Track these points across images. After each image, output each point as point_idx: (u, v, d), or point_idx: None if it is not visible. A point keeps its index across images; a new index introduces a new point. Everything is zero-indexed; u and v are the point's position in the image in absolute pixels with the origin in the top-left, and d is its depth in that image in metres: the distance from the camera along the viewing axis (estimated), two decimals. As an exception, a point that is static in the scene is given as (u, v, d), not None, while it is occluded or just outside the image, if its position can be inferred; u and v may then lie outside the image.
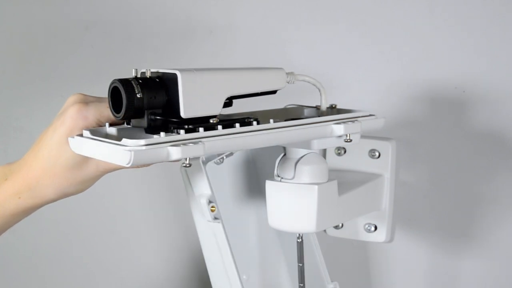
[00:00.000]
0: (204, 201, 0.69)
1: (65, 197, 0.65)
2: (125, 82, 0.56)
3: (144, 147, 0.52)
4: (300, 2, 0.94)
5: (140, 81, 0.57)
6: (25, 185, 0.64)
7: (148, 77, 0.58)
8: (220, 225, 0.70)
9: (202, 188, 0.70)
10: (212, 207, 0.70)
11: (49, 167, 0.62)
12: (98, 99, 0.63)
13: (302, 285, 0.75)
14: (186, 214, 0.74)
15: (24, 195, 0.64)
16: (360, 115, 0.69)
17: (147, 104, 0.56)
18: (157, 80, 0.58)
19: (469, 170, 0.87)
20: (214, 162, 0.73)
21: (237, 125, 0.59)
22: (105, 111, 0.61)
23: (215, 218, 0.70)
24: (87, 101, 0.62)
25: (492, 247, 0.87)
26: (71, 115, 0.61)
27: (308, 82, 0.69)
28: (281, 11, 0.96)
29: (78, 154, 0.59)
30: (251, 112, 0.69)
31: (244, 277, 0.79)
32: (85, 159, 0.62)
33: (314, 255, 0.81)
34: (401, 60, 0.89)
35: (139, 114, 0.57)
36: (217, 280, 0.73)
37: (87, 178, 0.64)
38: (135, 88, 0.56)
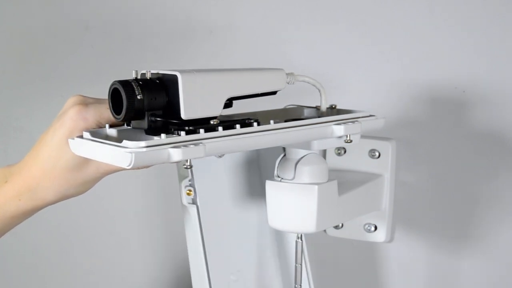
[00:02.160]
0: (182, 184, 0.70)
1: (65, 199, 0.65)
2: (125, 83, 0.56)
3: (144, 149, 0.52)
4: (300, 2, 0.94)
5: (140, 82, 0.57)
6: (25, 187, 0.64)
7: (149, 78, 0.58)
8: (194, 209, 0.70)
9: (183, 171, 0.71)
10: (189, 190, 0.71)
11: (49, 169, 0.62)
12: (98, 101, 0.63)
13: (298, 286, 0.75)
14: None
15: (24, 197, 0.64)
16: (360, 115, 0.69)
17: (147, 106, 0.56)
18: (158, 81, 0.58)
19: (469, 170, 0.87)
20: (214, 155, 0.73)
21: (238, 126, 0.59)
22: (105, 112, 0.61)
23: (191, 203, 0.71)
24: (86, 102, 0.62)
25: (492, 247, 0.87)
26: (71, 116, 0.61)
27: (308, 82, 0.69)
28: (281, 11, 0.96)
29: (78, 156, 0.59)
30: (251, 113, 0.70)
31: (232, 277, 0.79)
32: (85, 161, 0.62)
33: (298, 257, 0.81)
34: (401, 60, 0.89)
35: (139, 116, 0.57)
36: (193, 270, 0.74)
37: (87, 180, 0.64)
38: (136, 89, 0.56)
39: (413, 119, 0.89)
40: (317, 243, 0.93)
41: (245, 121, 0.61)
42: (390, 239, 0.90)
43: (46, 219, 0.98)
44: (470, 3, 0.84)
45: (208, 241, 0.72)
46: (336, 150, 0.90)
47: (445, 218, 0.89)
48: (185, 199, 0.71)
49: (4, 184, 0.65)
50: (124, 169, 0.54)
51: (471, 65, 0.85)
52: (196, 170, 0.72)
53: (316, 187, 0.68)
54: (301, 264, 0.75)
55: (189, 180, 0.71)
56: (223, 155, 0.66)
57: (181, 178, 0.72)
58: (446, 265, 0.90)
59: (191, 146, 0.54)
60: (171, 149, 0.53)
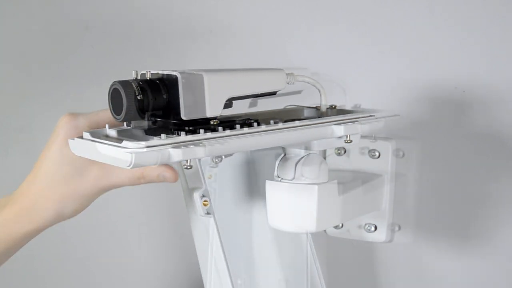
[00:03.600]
0: (197, 195, 0.70)
1: (62, 220, 0.66)
2: (125, 83, 0.56)
3: (145, 149, 0.52)
4: (300, 2, 0.94)
5: (140, 82, 0.57)
6: (23, 208, 0.64)
7: (149, 78, 0.58)
8: (212, 219, 0.70)
9: (196, 182, 0.71)
10: (205, 201, 0.70)
11: (46, 184, 0.63)
12: (87, 113, 0.65)
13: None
14: (185, 215, 0.74)
15: (23, 219, 0.65)
16: (360, 115, 0.69)
17: (147, 106, 0.57)
18: (157, 81, 0.58)
19: (469, 170, 0.87)
20: (213, 160, 0.73)
21: (238, 126, 0.59)
22: (95, 116, 0.64)
23: (207, 213, 0.70)
24: (76, 113, 0.64)
25: (492, 247, 0.87)
26: (62, 126, 0.63)
27: (308, 82, 0.69)
28: (281, 11, 0.96)
29: (75, 168, 0.60)
30: (251, 113, 0.70)
31: (239, 281, 0.79)
32: (82, 173, 0.62)
33: (308, 257, 0.81)
34: (401, 60, 0.89)
35: (139, 116, 0.57)
36: (208, 278, 0.73)
37: (84, 194, 0.64)
38: (136, 89, 0.56)
39: (413, 119, 0.89)
40: (317, 243, 0.93)
41: (245, 121, 0.61)
42: (390, 239, 0.90)
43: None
44: (470, 3, 0.84)
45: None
46: (336, 150, 0.90)
47: (445, 218, 0.89)
48: (202, 210, 0.71)
49: (4, 209, 0.65)
50: (123, 185, 0.54)
51: (471, 65, 0.85)
52: (213, 184, 0.71)
53: (316, 187, 0.68)
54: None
55: (203, 191, 0.71)
56: (221, 160, 0.66)
57: (193, 190, 0.71)
58: (446, 265, 0.90)
59: (191, 146, 0.54)
60: (171, 149, 0.53)
